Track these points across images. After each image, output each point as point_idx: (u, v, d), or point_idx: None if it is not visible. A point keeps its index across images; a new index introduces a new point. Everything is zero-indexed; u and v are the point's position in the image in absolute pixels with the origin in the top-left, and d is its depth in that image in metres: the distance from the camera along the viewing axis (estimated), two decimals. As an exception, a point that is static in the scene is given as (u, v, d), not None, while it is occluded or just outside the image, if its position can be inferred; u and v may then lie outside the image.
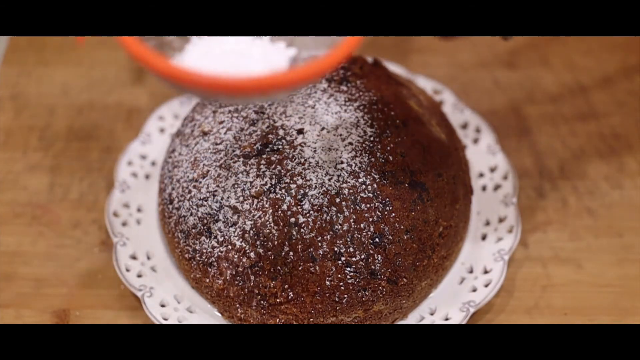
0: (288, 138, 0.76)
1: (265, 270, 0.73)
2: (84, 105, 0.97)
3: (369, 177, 0.74)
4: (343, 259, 0.73)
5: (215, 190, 0.75)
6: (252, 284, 0.74)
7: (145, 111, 0.95)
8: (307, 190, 0.73)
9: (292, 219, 0.73)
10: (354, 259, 0.73)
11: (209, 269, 0.75)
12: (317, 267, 0.73)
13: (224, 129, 0.78)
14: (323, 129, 0.76)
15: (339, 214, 0.73)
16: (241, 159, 0.76)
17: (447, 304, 0.78)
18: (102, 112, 0.96)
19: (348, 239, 0.73)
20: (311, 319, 0.74)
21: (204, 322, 0.77)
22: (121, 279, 0.79)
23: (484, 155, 0.88)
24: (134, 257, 0.81)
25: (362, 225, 0.73)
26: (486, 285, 0.78)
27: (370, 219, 0.73)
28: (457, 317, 0.76)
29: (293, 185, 0.74)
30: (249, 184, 0.74)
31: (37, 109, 0.97)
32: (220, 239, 0.74)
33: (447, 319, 0.77)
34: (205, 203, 0.75)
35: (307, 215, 0.73)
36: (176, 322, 0.76)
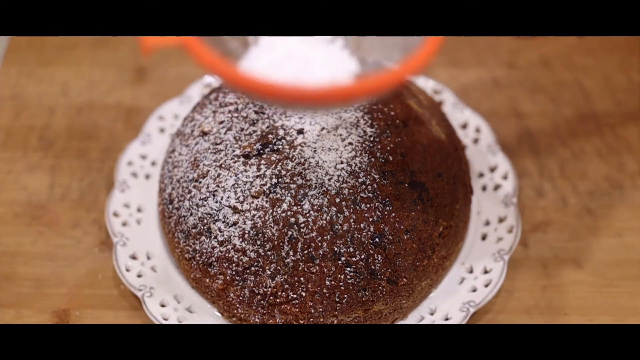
0: (288, 138, 0.76)
1: (265, 270, 0.73)
2: (84, 105, 0.97)
3: (369, 177, 0.74)
4: (343, 259, 0.73)
5: (215, 190, 0.75)
6: (252, 284, 0.74)
7: (145, 111, 0.95)
8: (307, 190, 0.73)
9: (292, 219, 0.73)
10: (354, 259, 0.73)
11: (209, 269, 0.75)
12: (317, 267, 0.73)
13: (224, 129, 0.78)
14: (323, 129, 0.76)
15: (339, 214, 0.73)
16: (241, 159, 0.76)
17: (447, 304, 0.78)
18: (102, 112, 0.96)
19: (348, 239, 0.73)
20: (311, 319, 0.74)
21: (204, 322, 0.77)
22: (121, 279, 0.79)
23: (484, 155, 0.88)
24: (134, 257, 0.81)
25: (362, 225, 0.73)
26: (486, 285, 0.78)
27: (370, 219, 0.73)
28: (457, 317, 0.76)
29: (293, 185, 0.74)
30: (249, 184, 0.74)
31: (37, 109, 0.97)
32: (220, 239, 0.74)
33: (447, 319, 0.77)
34: (205, 203, 0.75)
35: (307, 215, 0.73)
36: (176, 322, 0.76)
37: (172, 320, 0.76)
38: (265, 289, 0.74)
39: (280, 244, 0.73)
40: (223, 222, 0.74)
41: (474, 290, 0.79)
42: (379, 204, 0.74)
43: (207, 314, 0.78)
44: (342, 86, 0.55)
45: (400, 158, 0.76)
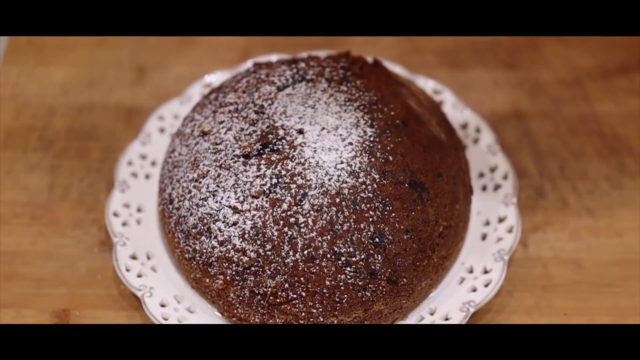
0: (288, 138, 0.76)
1: (265, 270, 0.73)
2: (84, 105, 0.97)
3: (369, 177, 0.74)
4: (343, 259, 0.73)
5: (215, 190, 0.75)
6: (252, 284, 0.74)
7: (145, 111, 0.95)
8: (307, 190, 0.73)
9: (292, 219, 0.73)
10: (354, 259, 0.73)
11: (209, 269, 0.75)
12: (317, 267, 0.73)
13: (224, 129, 0.78)
14: (323, 129, 0.76)
15: (339, 214, 0.73)
16: (241, 159, 0.76)
17: (447, 304, 0.78)
18: (102, 112, 0.96)
19: (348, 239, 0.73)
20: (311, 319, 0.74)
21: (204, 322, 0.77)
22: (121, 279, 0.79)
23: (484, 155, 0.88)
24: (134, 257, 0.81)
25: (362, 225, 0.73)
26: (486, 285, 0.78)
27: (370, 219, 0.73)
28: (457, 317, 0.76)
29: (293, 185, 0.74)
30: (249, 184, 0.74)
31: (37, 109, 0.97)
32: (220, 239, 0.74)
33: (447, 319, 0.77)
34: (205, 203, 0.75)
35: (307, 215, 0.73)
36: (176, 322, 0.76)
37: (172, 320, 0.76)
38: (265, 289, 0.74)
39: (280, 244, 0.73)
40: (223, 222, 0.74)
41: (474, 290, 0.79)
42: (379, 204, 0.74)
43: (207, 314, 0.78)
44: None
45: (400, 158, 0.76)
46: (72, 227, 0.86)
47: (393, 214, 0.74)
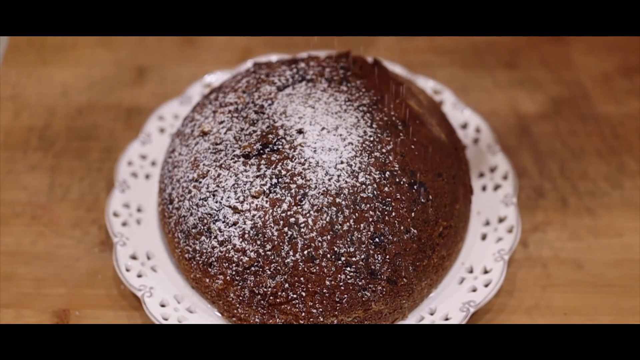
0: (288, 138, 0.76)
1: (265, 270, 0.73)
2: (84, 105, 0.97)
3: (369, 177, 0.74)
4: (343, 259, 0.73)
5: (215, 190, 0.75)
6: (252, 284, 0.74)
7: (145, 111, 0.95)
8: (307, 190, 0.73)
9: (292, 219, 0.73)
10: (354, 259, 0.73)
11: (209, 269, 0.75)
12: (317, 267, 0.73)
13: (224, 129, 0.78)
14: (323, 129, 0.76)
15: (339, 214, 0.73)
16: (241, 159, 0.76)
17: (447, 304, 0.78)
18: (102, 112, 0.96)
19: (348, 239, 0.73)
20: (311, 319, 0.74)
21: (204, 322, 0.77)
22: (121, 279, 0.79)
23: (484, 155, 0.88)
24: (134, 257, 0.81)
25: (362, 225, 0.73)
26: (486, 285, 0.78)
27: (370, 219, 0.73)
28: (457, 317, 0.76)
29: (293, 185, 0.74)
30: (248, 184, 0.74)
31: (37, 109, 0.97)
32: (220, 239, 0.74)
33: (447, 319, 0.77)
34: (205, 203, 0.75)
35: (307, 215, 0.73)
36: (176, 322, 0.76)
37: (172, 320, 0.76)
38: (265, 289, 0.74)
39: (280, 244, 0.73)
40: (223, 222, 0.74)
41: (474, 290, 0.79)
42: (379, 204, 0.74)
43: (207, 314, 0.78)
44: None
45: (400, 158, 0.76)
46: (72, 227, 0.86)
47: (393, 214, 0.74)
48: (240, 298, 0.75)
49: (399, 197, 0.74)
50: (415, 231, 0.75)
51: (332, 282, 0.73)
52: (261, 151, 0.76)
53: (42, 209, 0.88)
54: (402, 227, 0.74)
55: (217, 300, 0.77)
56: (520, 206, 0.86)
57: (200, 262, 0.76)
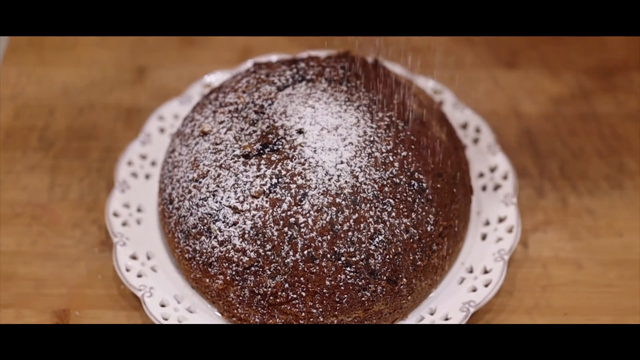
0: (288, 138, 0.76)
1: (265, 270, 0.73)
2: (84, 105, 0.97)
3: (369, 177, 0.74)
4: (343, 259, 0.73)
5: (215, 190, 0.75)
6: (252, 284, 0.74)
7: (145, 111, 0.95)
8: (307, 190, 0.73)
9: (292, 219, 0.73)
10: (354, 259, 0.73)
11: (209, 269, 0.75)
12: (317, 267, 0.73)
13: (224, 129, 0.78)
14: (323, 129, 0.76)
15: (339, 214, 0.73)
16: (241, 159, 0.76)
17: (447, 304, 0.78)
18: (102, 112, 0.96)
19: (348, 239, 0.73)
20: (311, 319, 0.74)
21: (204, 322, 0.77)
22: (121, 279, 0.79)
23: (484, 155, 0.88)
24: (134, 257, 0.81)
25: (362, 225, 0.73)
26: (486, 285, 0.78)
27: (370, 219, 0.73)
28: (457, 317, 0.76)
29: (293, 185, 0.74)
30: (249, 184, 0.74)
31: (37, 109, 0.97)
32: (220, 239, 0.74)
33: (447, 319, 0.77)
34: (205, 203, 0.75)
35: (307, 215, 0.73)
36: (176, 322, 0.76)
37: (172, 320, 0.76)
38: (265, 289, 0.74)
39: (280, 244, 0.73)
40: (223, 222, 0.74)
41: (474, 290, 0.79)
42: (379, 204, 0.74)
43: (207, 314, 0.78)
44: None
45: (400, 158, 0.76)
46: (72, 227, 0.86)
47: (393, 214, 0.74)
48: (240, 298, 0.75)
49: (399, 197, 0.74)
50: (415, 231, 0.75)
51: (332, 282, 0.73)
52: (261, 151, 0.76)
53: (42, 209, 0.88)
54: (402, 227, 0.74)
55: (217, 300, 0.77)
56: (520, 206, 0.86)
57: (200, 262, 0.76)
